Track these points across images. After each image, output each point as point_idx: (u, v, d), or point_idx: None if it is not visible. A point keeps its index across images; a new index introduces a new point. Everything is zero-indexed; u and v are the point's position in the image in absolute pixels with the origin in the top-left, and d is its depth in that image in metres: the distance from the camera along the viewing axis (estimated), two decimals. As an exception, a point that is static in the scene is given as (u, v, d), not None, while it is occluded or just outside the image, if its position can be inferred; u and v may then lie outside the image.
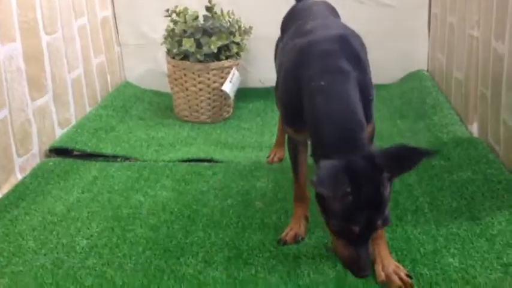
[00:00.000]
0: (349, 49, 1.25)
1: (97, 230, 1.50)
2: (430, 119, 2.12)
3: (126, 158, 1.97)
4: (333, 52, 1.22)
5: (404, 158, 1.06)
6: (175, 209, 1.60)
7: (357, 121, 1.13)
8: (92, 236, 1.47)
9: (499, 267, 1.24)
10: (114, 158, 1.97)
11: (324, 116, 1.14)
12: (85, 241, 1.45)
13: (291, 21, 1.57)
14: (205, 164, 1.91)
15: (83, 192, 1.71)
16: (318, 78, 1.18)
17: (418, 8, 2.60)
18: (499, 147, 1.72)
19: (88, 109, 2.30)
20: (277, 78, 1.47)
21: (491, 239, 1.35)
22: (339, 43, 1.25)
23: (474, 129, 1.97)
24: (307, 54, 1.25)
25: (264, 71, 2.59)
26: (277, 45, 1.74)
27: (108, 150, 2.01)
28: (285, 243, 1.40)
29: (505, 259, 1.26)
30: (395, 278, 1.21)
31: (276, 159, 1.90)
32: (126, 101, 2.46)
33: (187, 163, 1.91)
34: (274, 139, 2.10)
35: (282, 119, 1.39)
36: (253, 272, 1.30)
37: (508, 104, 1.63)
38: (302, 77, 1.22)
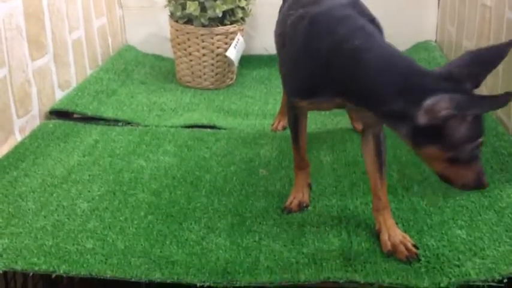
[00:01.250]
0: (364, 12, 1.23)
1: (98, 193, 1.48)
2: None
3: (127, 123, 1.93)
4: (352, 15, 1.19)
5: (484, 60, 1.07)
6: (178, 175, 1.57)
7: (415, 63, 1.11)
8: (93, 199, 1.45)
9: (507, 240, 1.22)
10: (116, 122, 1.93)
11: (382, 68, 1.10)
12: (86, 204, 1.42)
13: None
14: (208, 130, 1.88)
15: (83, 156, 1.68)
16: (350, 39, 1.13)
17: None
18: (508, 120, 1.69)
19: (89, 72, 2.25)
20: (281, 52, 1.40)
21: (500, 211, 1.32)
22: (353, 7, 1.22)
23: (483, 101, 1.94)
24: (326, 22, 1.20)
25: (269, 37, 2.50)
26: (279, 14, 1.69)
27: (110, 114, 1.97)
28: (289, 211, 1.38)
29: (513, 232, 1.24)
30: (402, 248, 1.19)
31: (280, 127, 1.87)
32: (128, 65, 2.42)
33: (190, 129, 1.88)
34: (278, 107, 2.07)
35: (293, 93, 1.31)
36: (256, 239, 1.28)
37: (520, 76, 1.59)
38: (325, 44, 1.16)
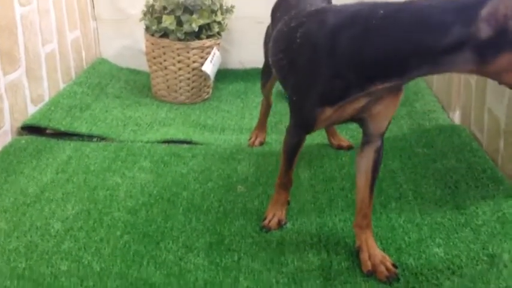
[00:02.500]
0: None
1: (72, 212, 1.44)
2: (412, 105, 2.10)
3: (101, 138, 1.90)
4: (361, 9, 1.13)
5: None
6: (154, 192, 1.55)
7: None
8: (67, 218, 1.41)
9: (484, 257, 1.23)
10: (90, 137, 1.90)
11: (422, 12, 1.03)
12: (60, 224, 1.39)
13: (282, 11, 1.48)
14: (185, 145, 1.86)
15: (57, 173, 1.64)
16: (372, 13, 1.08)
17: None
18: (482, 136, 1.72)
19: (62, 86, 2.21)
20: (290, 69, 1.29)
21: (476, 229, 1.34)
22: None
23: (456, 117, 1.97)
24: (340, 19, 1.14)
25: (244, 52, 2.54)
26: (267, 33, 1.67)
27: (83, 129, 1.94)
28: (269, 230, 1.37)
29: (490, 249, 1.26)
30: (382, 268, 1.19)
31: (257, 143, 1.86)
32: (102, 79, 2.38)
33: (166, 144, 1.86)
34: (254, 122, 2.06)
35: (317, 103, 1.18)
36: (235, 258, 1.27)
37: (493, 93, 1.62)
38: (350, 33, 1.10)
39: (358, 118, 1.22)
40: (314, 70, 1.17)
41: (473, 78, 1.80)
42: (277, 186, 1.43)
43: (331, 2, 1.57)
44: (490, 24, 0.97)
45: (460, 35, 0.99)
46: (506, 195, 1.43)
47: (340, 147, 1.82)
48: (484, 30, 0.97)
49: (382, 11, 1.07)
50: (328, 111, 1.17)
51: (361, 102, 1.15)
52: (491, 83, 1.65)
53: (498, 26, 0.97)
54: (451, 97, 2.01)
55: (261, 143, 1.86)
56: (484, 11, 0.97)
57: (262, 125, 1.89)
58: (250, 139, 1.88)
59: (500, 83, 1.07)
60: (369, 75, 1.10)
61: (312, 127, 1.25)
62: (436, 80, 2.20)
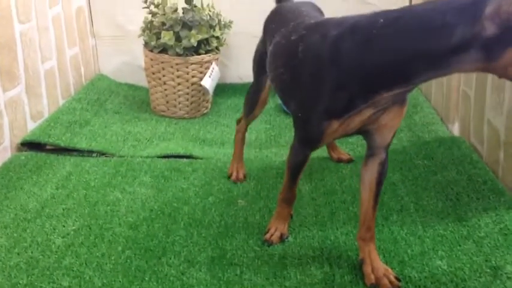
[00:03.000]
0: None
1: (73, 228, 1.44)
2: (411, 118, 2.11)
3: (101, 153, 1.90)
4: (360, 20, 1.14)
5: None
6: (155, 207, 1.55)
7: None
8: (68, 234, 1.41)
9: (488, 270, 1.23)
10: (89, 153, 1.90)
11: (425, 16, 1.03)
12: (61, 239, 1.38)
13: (277, 23, 1.47)
14: (185, 160, 1.86)
15: (57, 188, 1.64)
16: (372, 23, 1.08)
17: (398, 6, 2.58)
18: (482, 148, 1.72)
19: (61, 102, 2.22)
20: (291, 84, 1.26)
21: (478, 241, 1.34)
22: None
23: (455, 129, 1.97)
24: (341, 31, 1.14)
25: (243, 66, 2.55)
26: (257, 46, 1.63)
27: (83, 145, 1.93)
28: (271, 244, 1.37)
29: (493, 262, 1.25)
30: (386, 281, 1.18)
31: (241, 175, 1.72)
32: (101, 95, 2.39)
33: (166, 159, 1.86)
34: (253, 136, 2.07)
35: (324, 116, 1.16)
36: (238, 272, 1.26)
37: (493, 104, 1.63)
38: (352, 43, 1.10)
39: (364, 130, 1.21)
40: (318, 83, 1.16)
41: (472, 90, 1.81)
42: (280, 200, 1.42)
43: (322, 13, 1.56)
44: (494, 22, 0.97)
45: (464, 35, 0.99)
46: (507, 207, 1.43)
47: (340, 161, 1.82)
48: (489, 28, 0.97)
49: (381, 20, 1.07)
50: (335, 125, 1.16)
51: (368, 113, 1.14)
52: (490, 95, 1.66)
53: (502, 23, 0.97)
54: (450, 109, 2.02)
55: (245, 176, 1.73)
56: (488, 10, 0.97)
57: (239, 156, 1.77)
58: (231, 175, 1.73)
59: (507, 78, 1.06)
60: (373, 84, 1.09)
61: (319, 142, 1.23)
62: (435, 92, 2.21)
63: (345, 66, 1.10)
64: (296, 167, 1.34)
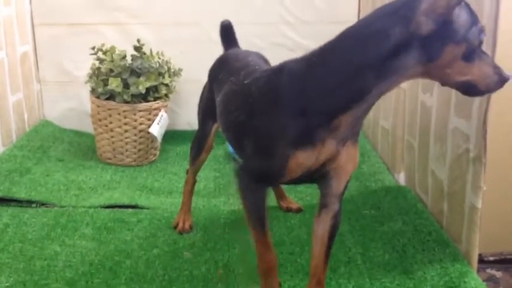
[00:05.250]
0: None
1: (6, 284, 1.35)
2: (359, 167, 2.09)
3: (42, 204, 1.82)
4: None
5: None
6: (96, 261, 1.48)
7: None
8: (-1, 292, 1.32)
9: (434, 323, 1.22)
10: (29, 203, 1.82)
11: (361, 32, 1.07)
12: (-9, 298, 1.30)
13: (225, 72, 1.47)
14: (130, 210, 1.80)
15: (-9, 242, 1.55)
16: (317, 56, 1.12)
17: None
18: (426, 198, 1.74)
19: (2, 149, 2.13)
20: (248, 123, 1.23)
21: (425, 293, 1.33)
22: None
23: (401, 178, 2.00)
24: (293, 64, 1.16)
25: (193, 113, 2.51)
26: (202, 94, 1.64)
27: (22, 194, 1.85)
28: None
29: (439, 315, 1.25)
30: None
31: (187, 226, 1.67)
32: (44, 141, 2.32)
33: (110, 209, 1.80)
34: (202, 184, 2.04)
35: (289, 145, 1.12)
36: (180, 331, 1.21)
37: (436, 155, 1.66)
38: (296, 80, 1.12)
39: (322, 173, 1.18)
40: (277, 113, 1.14)
41: (416, 140, 1.84)
42: (260, 272, 1.25)
43: (269, 64, 1.56)
44: (430, 18, 0.99)
45: (401, 35, 1.00)
46: (452, 259, 1.44)
47: (289, 210, 1.80)
48: (425, 24, 0.99)
49: (318, 47, 1.10)
50: (300, 156, 1.12)
51: (330, 145, 1.12)
52: (433, 145, 1.69)
53: (439, 18, 0.99)
54: (396, 159, 2.05)
55: (191, 227, 1.68)
56: (423, 6, 0.99)
57: (187, 206, 1.72)
58: (177, 226, 1.68)
59: (444, 82, 1.09)
60: (331, 106, 1.08)
61: (282, 176, 1.16)
62: (381, 141, 2.25)
63: (301, 92, 1.10)
64: (256, 206, 1.22)
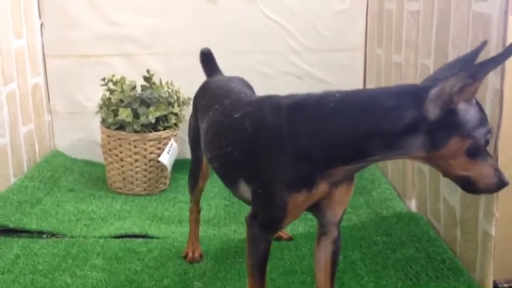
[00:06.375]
0: None
1: (17, 317, 1.35)
2: (369, 194, 2.12)
3: (52, 234, 1.82)
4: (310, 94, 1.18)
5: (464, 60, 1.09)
6: (106, 292, 1.47)
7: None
8: (10, 325, 1.32)
9: None
10: (40, 234, 1.82)
11: (375, 100, 1.09)
12: (2, 331, 1.29)
13: (207, 100, 1.47)
14: (140, 240, 1.80)
15: (2, 273, 1.55)
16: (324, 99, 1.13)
17: (353, 86, 2.66)
18: (439, 225, 1.73)
19: (13, 180, 2.14)
20: (242, 158, 1.22)
21: (439, 323, 1.31)
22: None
23: (412, 205, 1.98)
24: (291, 102, 1.16)
25: (202, 142, 2.54)
26: (190, 123, 1.62)
27: (33, 225, 1.86)
28: None
29: None
30: None
31: (197, 255, 1.66)
32: (55, 172, 2.33)
33: (120, 239, 1.79)
34: (212, 212, 2.04)
35: (290, 190, 1.12)
36: None
37: (447, 182, 1.64)
38: (301, 122, 1.12)
39: (315, 206, 1.18)
40: (277, 155, 1.13)
41: (426, 167, 1.83)
42: None
43: (252, 88, 1.57)
44: (437, 105, 1.01)
45: (413, 117, 1.02)
46: (466, 287, 1.41)
47: (279, 238, 1.78)
48: (433, 111, 1.01)
49: (338, 95, 1.11)
50: (299, 199, 1.11)
51: (323, 188, 1.13)
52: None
53: (445, 106, 1.01)
54: (406, 186, 2.03)
55: (201, 256, 1.67)
56: (432, 91, 1.01)
57: (195, 235, 1.72)
58: (186, 256, 1.67)
59: (446, 173, 1.10)
60: (332, 157, 1.09)
61: (282, 221, 1.16)
62: (391, 169, 2.24)
63: (303, 139, 1.10)
64: (260, 259, 1.21)
